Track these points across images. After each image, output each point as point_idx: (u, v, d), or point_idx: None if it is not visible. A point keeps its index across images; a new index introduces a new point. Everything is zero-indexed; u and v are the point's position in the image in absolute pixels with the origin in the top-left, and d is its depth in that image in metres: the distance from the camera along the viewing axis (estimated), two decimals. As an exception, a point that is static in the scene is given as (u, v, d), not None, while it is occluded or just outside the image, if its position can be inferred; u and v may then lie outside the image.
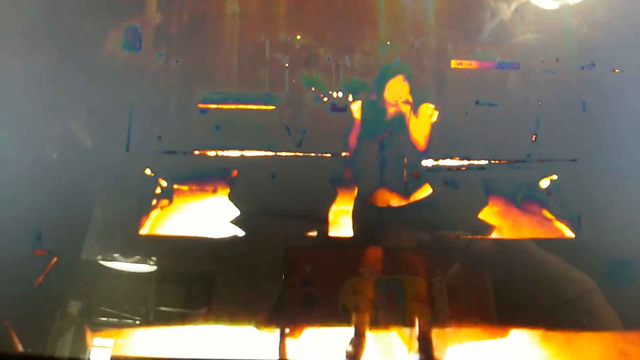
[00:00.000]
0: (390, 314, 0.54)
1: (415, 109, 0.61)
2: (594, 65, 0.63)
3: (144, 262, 0.61)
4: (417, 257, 0.57)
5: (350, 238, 0.59)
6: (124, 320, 0.61)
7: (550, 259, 0.57)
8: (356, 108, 0.62)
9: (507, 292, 0.54)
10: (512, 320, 0.54)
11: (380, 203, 0.60)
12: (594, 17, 0.66)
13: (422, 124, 0.61)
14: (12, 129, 0.61)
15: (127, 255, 0.61)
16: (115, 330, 0.59)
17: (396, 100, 0.61)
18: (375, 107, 0.61)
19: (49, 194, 0.59)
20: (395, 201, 0.59)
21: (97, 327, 0.58)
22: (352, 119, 0.61)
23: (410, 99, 0.60)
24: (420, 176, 0.60)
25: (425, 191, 0.60)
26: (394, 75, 0.62)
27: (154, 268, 0.61)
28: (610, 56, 0.64)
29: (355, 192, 0.60)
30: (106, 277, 0.62)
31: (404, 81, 0.62)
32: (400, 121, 0.61)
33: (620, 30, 0.65)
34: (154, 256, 0.59)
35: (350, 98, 0.62)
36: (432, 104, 0.61)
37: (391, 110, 0.61)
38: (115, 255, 0.61)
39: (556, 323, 0.54)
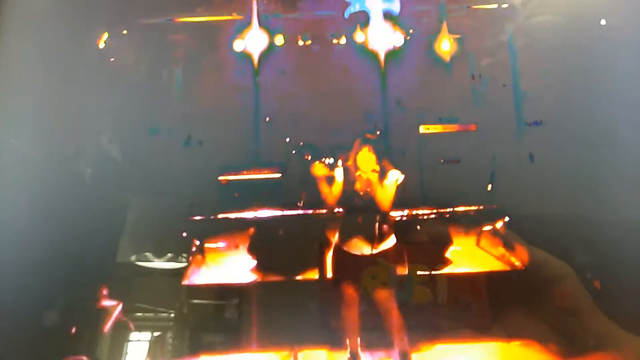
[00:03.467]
0: (400, 294, 0.68)
1: (382, 175, 0.75)
2: (539, 122, 0.77)
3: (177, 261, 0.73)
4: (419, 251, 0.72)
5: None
6: (159, 314, 0.68)
7: (534, 250, 0.72)
8: (339, 173, 0.76)
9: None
10: (501, 298, 0.68)
11: (355, 250, 0.74)
12: (540, 75, 0.79)
13: (387, 188, 0.74)
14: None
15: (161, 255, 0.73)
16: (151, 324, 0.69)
17: (367, 169, 0.74)
18: (351, 173, 0.74)
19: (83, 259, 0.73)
20: (367, 249, 0.73)
21: (135, 323, 0.69)
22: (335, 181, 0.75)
23: (377, 168, 0.74)
24: (389, 229, 0.74)
25: (391, 241, 0.74)
26: (361, 146, 0.76)
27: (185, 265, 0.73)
28: (554, 112, 0.77)
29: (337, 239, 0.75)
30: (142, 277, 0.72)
31: (369, 152, 0.75)
32: (374, 186, 0.74)
33: (560, 87, 0.78)
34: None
35: (339, 163, 0.77)
36: (398, 169, 0.74)
37: (364, 177, 0.75)
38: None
39: (541, 300, 0.68)
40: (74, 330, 0.69)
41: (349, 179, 0.75)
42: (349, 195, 0.74)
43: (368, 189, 0.74)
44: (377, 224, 0.74)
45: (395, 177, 0.73)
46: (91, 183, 0.77)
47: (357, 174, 0.75)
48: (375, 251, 0.73)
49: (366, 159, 0.74)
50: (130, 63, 0.80)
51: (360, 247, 0.73)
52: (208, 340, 0.72)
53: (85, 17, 0.82)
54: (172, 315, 0.69)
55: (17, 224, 0.73)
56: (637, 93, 0.76)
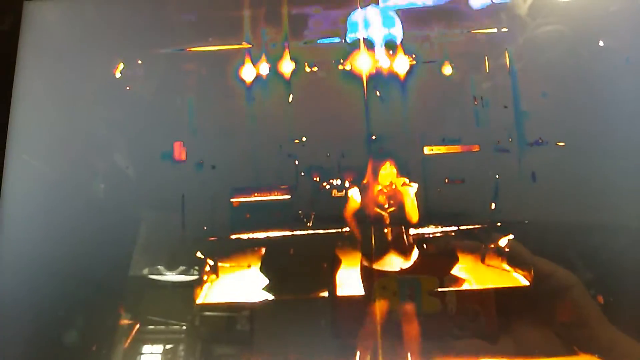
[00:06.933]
0: (409, 304, 0.71)
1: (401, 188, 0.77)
2: (541, 141, 0.79)
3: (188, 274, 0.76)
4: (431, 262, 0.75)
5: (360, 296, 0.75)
6: (171, 327, 0.72)
7: (539, 260, 0.73)
8: (355, 193, 0.79)
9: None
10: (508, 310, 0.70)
11: (389, 267, 0.76)
12: (540, 97, 0.81)
13: (409, 199, 0.77)
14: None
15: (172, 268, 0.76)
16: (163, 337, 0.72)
17: (391, 183, 0.77)
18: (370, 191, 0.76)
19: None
20: (398, 264, 0.75)
21: (146, 336, 0.72)
22: (352, 202, 0.78)
23: (405, 182, 0.76)
24: (411, 242, 0.76)
25: (415, 254, 0.76)
26: (382, 161, 0.78)
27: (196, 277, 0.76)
28: (555, 131, 0.79)
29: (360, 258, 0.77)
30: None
31: (391, 166, 0.78)
32: (397, 200, 0.76)
33: (563, 108, 0.80)
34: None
35: (347, 184, 0.80)
36: (409, 179, 0.77)
37: (386, 192, 0.77)
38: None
39: (549, 312, 0.70)
40: (94, 347, 0.72)
41: (370, 196, 0.76)
42: (375, 212, 0.76)
43: (391, 202, 0.76)
44: (406, 238, 0.76)
45: (403, 184, 0.75)
46: (104, 200, 0.81)
47: (379, 189, 0.76)
48: (407, 265, 0.75)
49: (389, 174, 0.76)
50: (145, 91, 0.84)
51: (394, 263, 0.75)
52: (220, 352, 0.74)
53: (102, 48, 0.86)
54: (184, 327, 0.73)
55: (31, 238, 0.76)
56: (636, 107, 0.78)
